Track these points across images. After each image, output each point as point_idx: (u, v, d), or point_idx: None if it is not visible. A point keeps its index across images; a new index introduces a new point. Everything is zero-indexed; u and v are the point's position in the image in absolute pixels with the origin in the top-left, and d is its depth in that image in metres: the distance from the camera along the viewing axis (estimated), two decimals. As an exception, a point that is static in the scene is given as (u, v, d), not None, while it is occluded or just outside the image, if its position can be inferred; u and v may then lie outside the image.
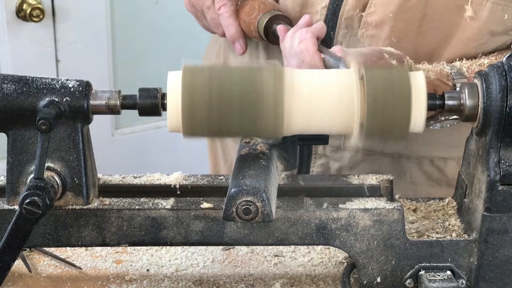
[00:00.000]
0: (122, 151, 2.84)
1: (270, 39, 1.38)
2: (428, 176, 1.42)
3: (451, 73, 1.23)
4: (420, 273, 1.04)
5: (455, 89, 1.20)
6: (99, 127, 2.31)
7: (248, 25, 1.39)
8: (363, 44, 1.32)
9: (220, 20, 1.42)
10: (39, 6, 2.51)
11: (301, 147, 1.42)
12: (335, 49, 1.19)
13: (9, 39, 2.52)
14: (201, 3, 1.45)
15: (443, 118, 1.16)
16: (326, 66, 1.20)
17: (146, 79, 2.46)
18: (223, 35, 1.44)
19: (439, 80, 1.20)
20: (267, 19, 1.36)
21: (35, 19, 2.51)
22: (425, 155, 1.41)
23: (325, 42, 1.34)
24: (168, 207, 1.04)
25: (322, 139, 1.12)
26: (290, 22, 1.37)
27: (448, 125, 1.31)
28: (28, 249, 1.18)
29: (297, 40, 1.25)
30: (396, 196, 1.12)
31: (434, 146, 1.39)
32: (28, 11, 2.49)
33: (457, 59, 1.28)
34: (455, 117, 1.13)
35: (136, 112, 1.02)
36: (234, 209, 0.95)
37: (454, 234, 1.06)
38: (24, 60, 2.55)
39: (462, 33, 1.28)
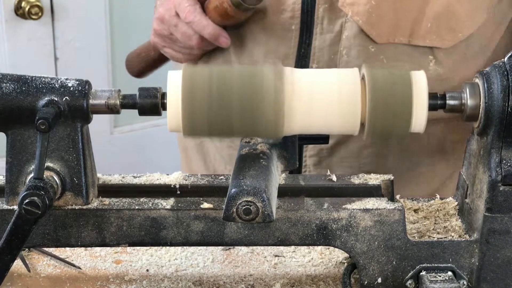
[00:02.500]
0: (121, 149, 2.84)
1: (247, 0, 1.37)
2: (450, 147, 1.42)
3: None
4: (421, 273, 1.04)
5: None
6: (98, 125, 2.30)
7: (221, 7, 1.36)
8: (346, 13, 1.33)
9: (191, 29, 1.40)
10: (38, 4, 2.51)
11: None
12: None
13: (8, 37, 2.51)
14: (167, 25, 1.44)
15: None
16: None
17: (145, 78, 2.45)
18: (199, 43, 1.42)
19: None
20: None
21: (33, 17, 2.51)
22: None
23: (306, 19, 1.35)
24: (168, 207, 1.04)
25: (323, 138, 1.12)
26: None
27: None
28: (27, 249, 1.17)
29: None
30: (397, 196, 1.12)
31: None
32: (27, 9, 2.49)
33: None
34: None
35: (135, 110, 1.01)
36: (235, 210, 0.94)
37: (455, 235, 1.06)
38: (23, 58, 2.55)
39: None
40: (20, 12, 2.50)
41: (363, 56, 1.36)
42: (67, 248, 1.19)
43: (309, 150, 1.45)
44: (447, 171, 1.48)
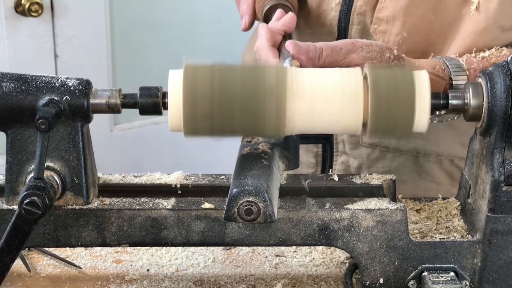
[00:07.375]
0: (120, 146, 2.83)
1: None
2: (450, 176, 1.41)
3: (447, 66, 1.21)
4: (423, 274, 1.03)
5: (451, 83, 1.19)
6: (98, 123, 2.29)
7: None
8: (376, 39, 1.32)
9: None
10: (38, 1, 2.50)
11: (323, 146, 1.42)
12: (287, 44, 1.16)
13: (8, 34, 2.51)
14: None
15: (443, 112, 1.15)
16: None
17: (145, 74, 2.45)
18: None
19: (433, 74, 1.17)
20: (267, 8, 1.36)
21: (33, 14, 2.50)
22: (443, 153, 1.40)
23: (340, 37, 1.35)
24: (169, 207, 1.03)
25: (325, 138, 1.12)
26: (290, 10, 1.37)
27: (448, 119, 1.30)
28: (27, 249, 1.17)
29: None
30: (399, 196, 1.11)
31: (452, 146, 1.39)
32: (27, 6, 2.48)
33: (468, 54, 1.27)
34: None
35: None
36: (236, 210, 0.94)
37: (457, 235, 1.05)
38: (23, 56, 2.54)
39: (470, 26, 1.27)
40: (20, 9, 2.49)
41: None
42: (67, 248, 1.18)
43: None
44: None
